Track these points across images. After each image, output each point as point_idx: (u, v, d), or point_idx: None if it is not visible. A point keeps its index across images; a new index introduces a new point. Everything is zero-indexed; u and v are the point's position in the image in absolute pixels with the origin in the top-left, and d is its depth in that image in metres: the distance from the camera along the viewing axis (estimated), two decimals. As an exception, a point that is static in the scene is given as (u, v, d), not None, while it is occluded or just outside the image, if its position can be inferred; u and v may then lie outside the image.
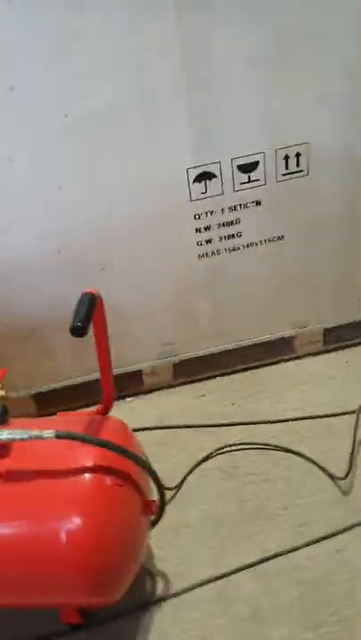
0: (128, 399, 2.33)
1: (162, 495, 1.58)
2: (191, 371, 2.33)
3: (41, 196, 1.87)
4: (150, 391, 2.34)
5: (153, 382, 2.32)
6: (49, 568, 1.38)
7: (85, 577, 1.39)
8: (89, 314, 1.34)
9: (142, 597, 1.71)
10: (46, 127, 1.77)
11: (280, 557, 1.73)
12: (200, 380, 2.35)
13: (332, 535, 1.74)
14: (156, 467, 1.99)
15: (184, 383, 2.34)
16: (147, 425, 2.18)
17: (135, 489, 1.50)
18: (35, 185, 1.85)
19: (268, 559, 1.73)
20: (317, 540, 1.74)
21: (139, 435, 2.12)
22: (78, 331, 1.30)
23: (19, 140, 1.78)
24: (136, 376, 2.29)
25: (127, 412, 2.27)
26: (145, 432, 2.15)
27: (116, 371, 2.24)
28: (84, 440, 1.38)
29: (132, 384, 2.30)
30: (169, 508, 1.90)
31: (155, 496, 1.57)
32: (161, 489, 1.55)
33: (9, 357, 2.15)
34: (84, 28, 1.65)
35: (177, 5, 1.65)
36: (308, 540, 1.75)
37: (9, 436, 1.37)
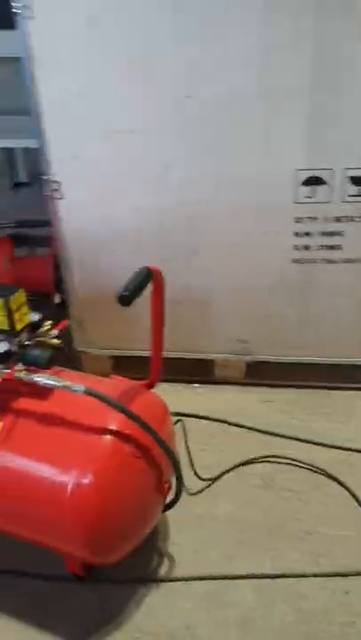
0: (196, 385, 2.35)
1: (178, 479, 1.61)
2: (264, 374, 2.30)
3: (148, 171, 1.93)
4: (219, 383, 2.35)
5: (224, 375, 2.32)
6: (51, 512, 1.45)
7: (82, 531, 1.45)
8: (139, 286, 1.39)
9: (144, 572, 1.74)
10: (169, 105, 1.82)
11: (287, 579, 1.69)
12: (271, 386, 2.32)
13: (345, 575, 1.66)
14: (200, 456, 2.03)
15: (254, 385, 2.32)
16: (206, 414, 2.20)
17: (152, 466, 1.54)
18: (145, 159, 1.91)
19: (274, 577, 1.69)
20: (329, 575, 1.67)
21: (192, 421, 2.17)
22: (123, 299, 1.35)
23: (140, 114, 1.85)
24: (208, 366, 2.31)
25: (191, 396, 2.30)
26: (201, 421, 2.18)
27: (188, 355, 2.29)
28: (105, 401, 1.43)
29: (203, 372, 2.32)
30: (199, 498, 1.93)
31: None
32: (178, 472, 1.57)
33: (98, 319, 2.27)
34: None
35: (315, 7, 1.62)
36: (320, 571, 1.68)
37: (44, 381, 1.46)
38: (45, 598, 1.68)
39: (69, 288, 2.26)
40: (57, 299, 2.49)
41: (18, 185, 3.84)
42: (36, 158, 3.82)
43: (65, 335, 1.60)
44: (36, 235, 3.01)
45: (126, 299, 1.36)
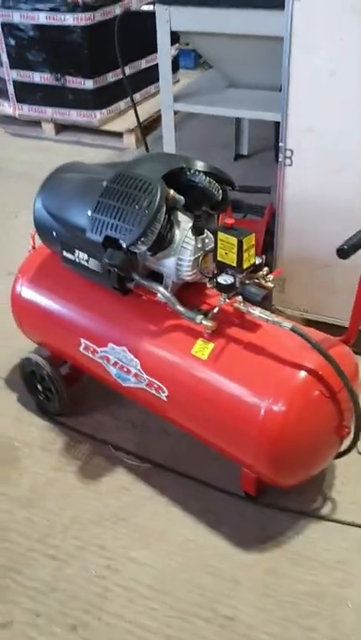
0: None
1: (357, 429, 1.75)
2: None
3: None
4: None
5: None
6: (243, 427, 1.69)
7: (267, 449, 1.67)
8: (358, 244, 1.55)
9: (308, 508, 1.93)
10: None
11: None
12: None
13: None
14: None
15: None
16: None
17: (337, 408, 1.71)
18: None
19: None
20: None
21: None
22: (342, 252, 1.52)
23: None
24: None
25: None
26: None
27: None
28: (309, 341, 1.62)
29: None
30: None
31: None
32: (359, 421, 1.72)
33: (300, 282, 2.45)
34: None
35: None
36: None
37: (258, 314, 1.69)
38: (220, 508, 1.93)
39: (278, 249, 2.46)
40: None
41: (238, 157, 4.12)
42: (257, 134, 4.09)
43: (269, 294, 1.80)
44: (251, 203, 3.28)
45: (345, 252, 1.53)
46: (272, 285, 1.79)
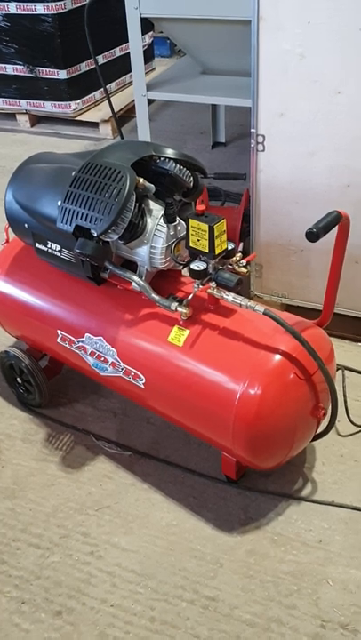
0: None
1: (333, 408, 1.78)
2: None
3: (347, 132, 2.06)
4: (385, 345, 2.45)
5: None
6: (219, 411, 1.70)
7: (244, 432, 1.69)
8: (327, 226, 1.56)
9: (288, 490, 1.95)
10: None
11: None
12: None
13: None
14: (355, 405, 2.18)
15: None
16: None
17: (312, 390, 1.73)
18: (346, 121, 2.05)
19: None
20: None
21: (352, 375, 2.30)
22: (311, 235, 1.54)
23: (353, 78, 1.99)
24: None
25: (355, 354, 2.43)
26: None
27: (357, 314, 2.41)
28: (282, 325, 1.64)
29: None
30: (348, 440, 2.09)
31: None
32: (334, 400, 1.75)
33: (276, 267, 2.47)
34: None
35: None
36: None
37: (231, 299, 1.71)
38: (202, 492, 1.96)
39: (254, 235, 2.47)
40: (240, 247, 2.73)
41: (216, 144, 4.12)
42: (234, 121, 4.09)
43: (243, 278, 1.82)
44: (228, 190, 3.29)
45: (314, 235, 1.54)
46: (246, 271, 1.80)
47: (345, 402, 2.15)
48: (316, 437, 1.89)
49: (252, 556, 1.78)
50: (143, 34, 3.09)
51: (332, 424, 1.83)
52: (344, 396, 2.18)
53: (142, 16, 2.78)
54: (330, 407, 1.80)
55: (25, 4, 4.10)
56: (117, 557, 1.79)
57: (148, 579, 1.74)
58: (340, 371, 2.27)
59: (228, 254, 1.78)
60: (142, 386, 1.84)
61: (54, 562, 1.79)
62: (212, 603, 1.67)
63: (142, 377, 1.83)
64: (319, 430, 1.87)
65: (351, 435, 2.11)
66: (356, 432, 2.12)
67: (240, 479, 1.96)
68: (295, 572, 1.73)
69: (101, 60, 4.43)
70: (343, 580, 1.70)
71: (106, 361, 1.91)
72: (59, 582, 1.74)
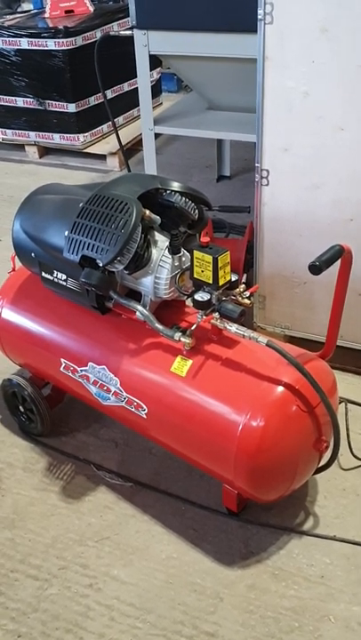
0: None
1: (336, 441, 1.77)
2: None
3: (351, 167, 2.10)
4: (387, 378, 2.45)
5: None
6: (221, 442, 1.70)
7: (245, 464, 1.68)
8: (330, 260, 1.58)
9: (290, 524, 1.93)
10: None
11: None
12: None
13: None
14: (357, 439, 2.16)
15: None
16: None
17: (315, 423, 1.72)
18: (350, 156, 2.09)
19: None
20: None
21: (355, 408, 2.30)
22: (314, 268, 1.55)
23: (354, 114, 2.03)
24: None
25: (358, 387, 2.42)
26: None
27: (358, 346, 2.41)
28: (285, 356, 1.65)
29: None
30: (350, 474, 2.08)
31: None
32: (337, 433, 1.74)
33: (280, 299, 2.48)
34: None
35: None
36: None
37: (234, 329, 1.72)
38: (202, 525, 1.94)
39: (258, 267, 2.49)
40: (243, 279, 2.75)
41: (221, 178, 4.18)
42: (239, 155, 4.16)
43: (247, 310, 1.84)
44: (232, 222, 3.33)
45: (317, 268, 1.56)
46: (249, 302, 1.82)
47: (347, 435, 2.14)
48: (319, 470, 1.88)
49: (253, 591, 1.75)
50: (151, 70, 3.16)
51: (334, 457, 1.82)
52: (347, 429, 2.17)
53: (151, 53, 2.86)
54: (332, 440, 1.79)
55: (37, 39, 4.21)
56: (116, 590, 1.77)
57: (147, 613, 1.71)
58: (343, 403, 2.27)
59: (231, 285, 1.80)
60: (144, 416, 1.84)
61: (52, 594, 1.77)
62: (212, 639, 1.65)
63: (144, 407, 1.83)
64: (321, 463, 1.86)
65: (353, 468, 2.09)
66: (359, 466, 2.10)
67: (241, 512, 1.94)
68: (296, 608, 1.70)
69: (110, 94, 4.52)
70: (345, 617, 1.68)
71: (108, 390, 1.91)
72: (56, 615, 1.72)
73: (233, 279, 1.78)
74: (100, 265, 1.73)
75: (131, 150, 4.49)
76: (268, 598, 1.73)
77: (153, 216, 1.79)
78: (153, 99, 3.07)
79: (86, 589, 1.78)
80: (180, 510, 1.98)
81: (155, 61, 4.14)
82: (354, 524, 1.91)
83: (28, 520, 1.98)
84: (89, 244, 1.73)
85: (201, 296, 1.75)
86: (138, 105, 3.07)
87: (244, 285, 1.84)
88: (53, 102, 4.40)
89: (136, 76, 2.97)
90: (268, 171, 2.26)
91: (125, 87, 4.73)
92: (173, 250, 1.80)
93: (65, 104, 4.38)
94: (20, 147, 4.74)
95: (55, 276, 1.95)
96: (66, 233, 1.79)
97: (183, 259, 1.84)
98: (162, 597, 1.75)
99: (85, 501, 2.03)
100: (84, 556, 1.87)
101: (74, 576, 1.81)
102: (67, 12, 4.67)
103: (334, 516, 1.95)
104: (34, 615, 1.72)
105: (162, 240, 1.84)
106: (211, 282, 1.72)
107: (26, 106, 4.50)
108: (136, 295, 1.90)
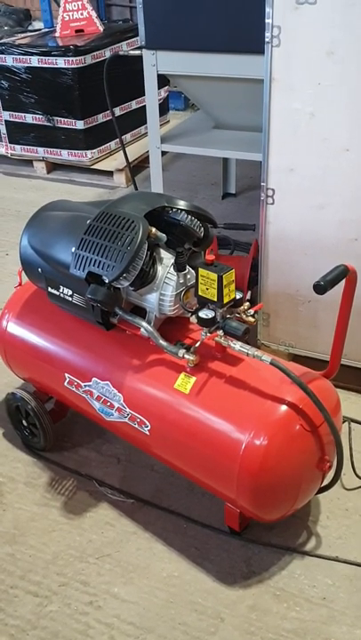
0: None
1: (339, 461, 1.77)
2: None
3: (356, 186, 2.11)
4: (390, 398, 2.44)
5: None
6: (223, 461, 1.70)
7: (248, 483, 1.68)
8: (334, 280, 1.59)
9: (292, 544, 1.92)
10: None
11: None
12: None
13: None
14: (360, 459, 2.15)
15: None
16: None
17: (318, 442, 1.72)
18: (355, 176, 2.10)
19: None
20: None
21: (359, 427, 2.29)
22: (318, 288, 1.56)
23: (356, 132, 2.05)
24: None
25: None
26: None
27: (362, 364, 2.41)
28: (288, 375, 1.65)
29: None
30: (353, 494, 2.07)
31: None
32: (340, 453, 1.74)
33: (284, 317, 2.49)
34: None
35: None
36: None
37: (238, 347, 1.72)
38: (204, 543, 1.93)
39: (262, 284, 2.50)
40: (247, 296, 2.76)
41: (226, 195, 4.21)
42: (244, 173, 4.19)
43: (251, 328, 1.84)
44: (237, 240, 3.35)
45: (322, 287, 1.57)
46: (253, 320, 1.83)
47: (351, 455, 2.14)
48: (321, 490, 1.87)
49: (254, 612, 1.74)
50: (159, 88, 3.20)
51: (337, 477, 1.81)
52: (350, 448, 2.16)
53: (159, 72, 2.90)
54: (335, 460, 1.79)
55: (47, 57, 4.27)
56: (116, 608, 1.76)
57: (148, 632, 1.70)
58: (347, 423, 2.27)
59: (236, 303, 1.80)
60: (147, 432, 1.84)
61: (52, 611, 1.76)
62: (212, 659, 1.63)
63: (147, 423, 1.83)
64: (324, 483, 1.85)
65: (356, 488, 2.08)
66: (363, 486, 2.10)
67: (243, 531, 1.93)
68: (298, 630, 1.69)
69: (118, 111, 4.57)
70: (347, 640, 1.66)
71: (112, 406, 1.91)
72: (56, 633, 1.70)
73: (237, 297, 1.79)
74: (107, 281, 1.74)
75: (137, 167, 4.52)
76: (270, 619, 1.72)
77: (159, 234, 1.81)
78: (160, 116, 3.11)
79: (86, 607, 1.76)
80: (182, 528, 1.98)
81: (162, 80, 4.19)
82: (357, 545, 1.90)
83: (29, 535, 1.97)
84: (95, 260, 1.75)
85: (205, 313, 1.76)
86: (145, 123, 3.11)
87: (248, 303, 1.85)
88: (62, 119, 4.45)
89: (144, 95, 3.01)
90: (273, 190, 2.28)
91: (133, 105, 4.78)
92: (179, 267, 1.82)
93: (73, 121, 4.42)
94: (29, 162, 4.78)
95: (61, 291, 1.96)
96: (73, 249, 1.80)
97: (188, 276, 1.85)
98: (162, 617, 1.73)
99: (87, 517, 2.03)
100: (84, 572, 1.86)
101: (74, 593, 1.80)
102: (77, 31, 4.73)
103: (337, 536, 1.94)
104: (33, 632, 1.71)
105: (167, 257, 1.85)
106: (215, 299, 1.73)
107: (35, 122, 4.55)
108: (141, 311, 1.91)
